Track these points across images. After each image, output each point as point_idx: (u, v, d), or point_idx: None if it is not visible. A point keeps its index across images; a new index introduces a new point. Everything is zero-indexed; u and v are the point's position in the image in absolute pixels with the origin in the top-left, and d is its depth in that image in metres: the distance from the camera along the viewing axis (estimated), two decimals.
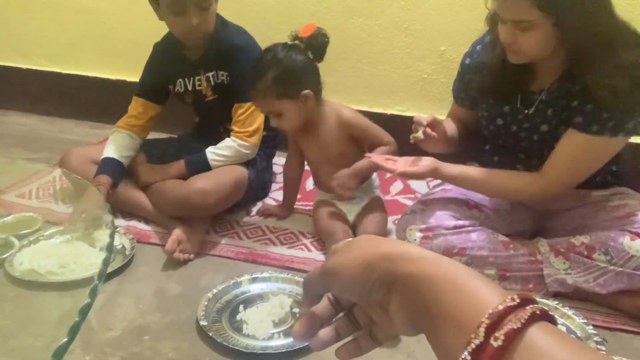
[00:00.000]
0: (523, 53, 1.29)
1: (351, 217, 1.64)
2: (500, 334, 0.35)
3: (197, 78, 1.77)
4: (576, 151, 1.33)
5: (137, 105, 1.80)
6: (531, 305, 0.37)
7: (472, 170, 1.44)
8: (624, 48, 1.23)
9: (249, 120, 1.70)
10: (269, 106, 1.53)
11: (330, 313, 0.52)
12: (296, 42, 1.52)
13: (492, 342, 0.35)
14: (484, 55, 1.45)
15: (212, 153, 1.68)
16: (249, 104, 1.68)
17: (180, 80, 1.79)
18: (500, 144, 1.52)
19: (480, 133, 1.57)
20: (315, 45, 1.51)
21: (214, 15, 1.67)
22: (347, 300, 0.52)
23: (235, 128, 1.70)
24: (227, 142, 1.70)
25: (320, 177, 1.69)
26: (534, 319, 0.36)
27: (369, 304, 0.48)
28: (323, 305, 0.52)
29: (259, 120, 1.72)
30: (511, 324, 0.35)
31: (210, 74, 1.75)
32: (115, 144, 1.74)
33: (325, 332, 0.52)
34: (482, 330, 0.36)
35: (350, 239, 0.51)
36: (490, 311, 0.36)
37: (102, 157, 1.70)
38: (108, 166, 1.68)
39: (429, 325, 0.41)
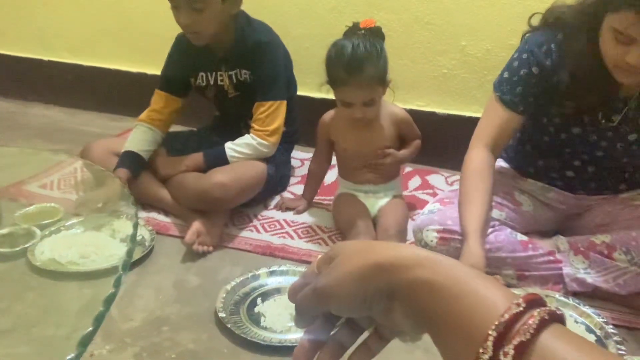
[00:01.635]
0: None
1: (373, 211, 1.65)
2: (509, 349, 0.34)
3: (219, 73, 1.78)
4: None
5: (158, 99, 1.81)
6: (538, 310, 0.35)
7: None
8: None
9: (269, 119, 1.70)
10: (372, 94, 1.52)
11: (328, 327, 0.49)
12: (361, 32, 1.52)
13: (502, 357, 0.34)
14: (575, 69, 1.29)
15: (231, 149, 1.69)
16: (270, 102, 1.69)
17: (202, 74, 1.80)
18: (547, 145, 1.46)
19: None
20: (376, 35, 1.53)
21: (214, 18, 1.63)
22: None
23: (255, 126, 1.70)
24: (247, 139, 1.70)
25: (351, 169, 1.69)
26: (543, 325, 0.35)
27: (370, 314, 0.45)
28: (318, 323, 0.49)
29: (280, 119, 1.72)
30: (519, 336, 0.34)
31: (232, 73, 1.76)
32: (137, 137, 1.75)
33: (328, 350, 0.48)
34: (489, 344, 0.34)
35: (334, 249, 0.47)
36: (497, 322, 0.35)
37: (123, 150, 1.72)
38: (128, 159, 1.70)
39: (435, 333, 0.39)
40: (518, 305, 0.36)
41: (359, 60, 1.47)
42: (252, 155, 1.70)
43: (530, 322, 0.35)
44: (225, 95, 1.81)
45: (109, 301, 0.64)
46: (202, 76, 1.80)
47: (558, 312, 0.36)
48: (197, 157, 1.71)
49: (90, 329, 0.61)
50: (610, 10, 1.16)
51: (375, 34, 1.52)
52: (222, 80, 1.78)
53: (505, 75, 1.40)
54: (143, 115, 1.80)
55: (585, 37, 1.25)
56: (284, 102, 1.74)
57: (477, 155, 1.37)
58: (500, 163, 1.58)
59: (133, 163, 1.70)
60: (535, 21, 1.38)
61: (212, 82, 1.80)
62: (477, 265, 1.19)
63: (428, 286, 0.39)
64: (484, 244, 1.24)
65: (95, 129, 2.39)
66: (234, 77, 1.76)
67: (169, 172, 1.71)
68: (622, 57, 1.16)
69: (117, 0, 2.43)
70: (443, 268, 0.40)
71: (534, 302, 0.36)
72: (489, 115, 1.42)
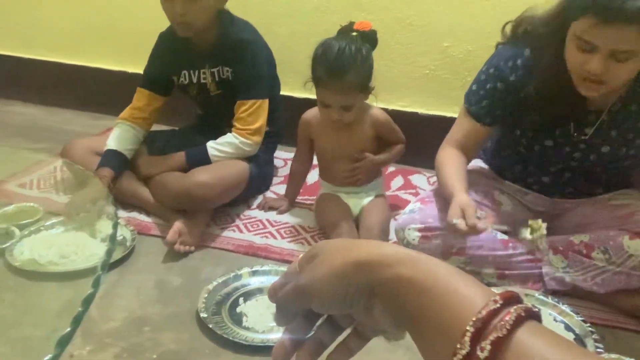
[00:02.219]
0: (606, 84, 1.20)
1: (355, 211, 1.66)
2: (486, 344, 0.34)
3: (202, 71, 1.77)
4: None
5: (141, 97, 1.80)
6: (515, 307, 0.36)
7: None
8: None
9: (251, 117, 1.70)
10: (351, 99, 1.52)
11: (308, 325, 0.49)
12: (354, 33, 1.51)
13: (478, 352, 0.34)
14: (540, 84, 1.31)
15: (213, 148, 1.68)
16: (252, 100, 1.69)
17: (185, 72, 1.79)
18: (522, 153, 1.47)
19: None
20: (369, 38, 1.53)
21: (206, 9, 1.65)
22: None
23: (237, 125, 1.70)
24: (229, 138, 1.70)
25: (331, 171, 1.69)
26: (519, 321, 0.35)
27: (351, 312, 0.45)
28: (298, 321, 0.49)
29: (262, 118, 1.72)
30: (496, 331, 0.35)
31: (215, 70, 1.75)
32: (119, 136, 1.74)
33: (307, 348, 0.49)
34: (467, 340, 0.35)
35: (315, 247, 0.47)
36: (474, 318, 0.35)
37: (105, 149, 1.71)
38: (111, 158, 1.69)
39: (414, 331, 0.40)
40: (495, 302, 0.36)
41: (341, 65, 1.47)
42: (234, 154, 1.69)
43: (506, 318, 0.35)
44: (207, 93, 1.80)
45: (87, 301, 0.63)
46: (185, 74, 1.79)
47: (534, 310, 0.37)
48: (179, 157, 1.70)
49: (69, 329, 0.60)
50: (573, 19, 1.17)
51: (368, 38, 1.52)
52: (204, 78, 1.78)
53: (474, 87, 1.45)
54: (125, 113, 1.79)
55: (553, 50, 1.26)
56: (266, 101, 1.74)
57: (446, 151, 1.46)
58: (480, 164, 1.60)
59: (116, 162, 1.69)
60: (508, 30, 1.40)
61: (195, 80, 1.79)
62: (467, 205, 1.25)
63: (408, 283, 0.40)
64: (465, 191, 1.32)
65: (76, 128, 2.36)
66: (216, 74, 1.76)
67: (151, 171, 1.70)
68: (584, 65, 1.18)
69: None
70: (423, 266, 0.41)
71: (511, 299, 0.37)
72: (459, 123, 1.48)
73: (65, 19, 2.49)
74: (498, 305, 0.36)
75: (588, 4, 1.13)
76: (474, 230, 1.24)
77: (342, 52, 1.47)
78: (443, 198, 1.48)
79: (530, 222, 1.29)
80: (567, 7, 1.20)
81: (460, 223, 1.23)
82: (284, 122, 1.94)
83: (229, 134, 1.70)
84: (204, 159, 1.67)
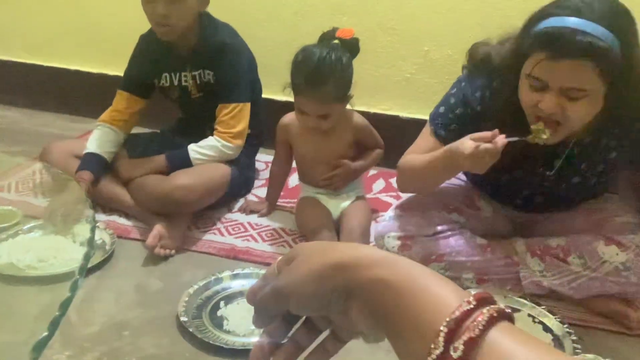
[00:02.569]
0: (565, 126, 1.16)
1: (336, 214, 1.66)
2: (459, 344, 0.35)
3: (183, 74, 1.76)
4: None
5: (121, 99, 1.79)
6: (488, 307, 0.37)
7: None
8: None
9: (233, 121, 1.69)
10: (328, 109, 1.52)
11: (286, 328, 0.49)
12: (335, 41, 1.51)
13: (451, 352, 0.35)
14: (499, 113, 1.27)
15: (195, 151, 1.67)
16: (234, 104, 1.68)
17: (165, 74, 1.78)
18: (492, 180, 1.43)
19: None
20: (351, 46, 1.53)
21: (188, 12, 1.64)
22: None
23: (219, 128, 1.69)
24: (211, 141, 1.69)
25: (311, 175, 1.69)
26: (492, 322, 0.36)
27: (328, 314, 0.45)
28: (276, 323, 0.49)
29: (244, 121, 1.72)
30: (469, 331, 0.35)
31: (196, 73, 1.75)
32: (99, 138, 1.73)
33: (284, 350, 0.49)
34: (441, 339, 0.35)
35: (294, 250, 0.47)
36: (448, 319, 0.36)
37: (85, 151, 1.69)
38: (90, 161, 1.67)
39: (390, 332, 0.40)
40: (469, 302, 0.37)
41: (320, 75, 1.46)
42: (216, 157, 1.69)
43: (479, 319, 0.36)
44: (189, 96, 1.80)
45: (65, 306, 0.63)
46: (166, 77, 1.79)
47: (507, 311, 0.37)
48: (159, 160, 1.69)
49: (46, 334, 0.60)
50: (525, 57, 1.15)
51: (349, 46, 1.52)
52: (186, 81, 1.77)
53: (441, 110, 1.40)
54: (104, 115, 1.78)
55: (508, 93, 1.24)
56: (248, 104, 1.73)
57: (410, 156, 1.42)
58: (460, 176, 1.59)
59: (96, 165, 1.67)
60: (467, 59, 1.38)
61: (176, 83, 1.79)
62: (466, 138, 1.17)
63: (384, 285, 0.40)
64: None
65: (55, 130, 2.34)
66: (197, 77, 1.75)
67: (131, 174, 1.68)
68: (537, 104, 1.15)
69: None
70: (400, 267, 0.41)
71: (484, 300, 0.37)
72: (425, 141, 1.41)
73: (43, 20, 2.46)
74: (471, 306, 0.36)
75: (538, 39, 1.12)
76: (499, 144, 1.14)
77: (321, 62, 1.46)
78: (422, 204, 1.48)
79: (532, 127, 1.19)
80: (520, 44, 1.18)
81: (486, 145, 1.14)
82: (265, 125, 1.93)
83: (210, 137, 1.70)
84: (185, 162, 1.66)
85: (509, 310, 0.38)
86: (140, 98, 1.80)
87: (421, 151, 1.39)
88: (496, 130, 1.16)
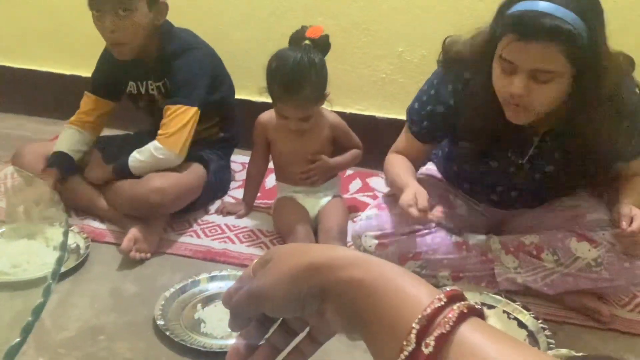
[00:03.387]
0: (530, 109, 1.20)
1: (313, 213, 1.66)
2: (430, 340, 0.35)
3: (149, 82, 1.74)
4: None
5: (88, 101, 1.76)
6: (458, 304, 0.37)
7: None
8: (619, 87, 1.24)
9: (172, 122, 1.60)
10: (308, 111, 1.54)
11: (262, 331, 0.49)
12: (307, 42, 1.51)
13: (423, 348, 0.35)
14: (473, 115, 1.33)
15: (134, 158, 1.60)
16: (177, 106, 1.61)
17: (132, 82, 1.75)
18: (469, 173, 1.49)
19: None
20: (321, 45, 1.53)
21: (138, 28, 1.58)
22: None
23: (159, 131, 1.61)
24: (147, 145, 1.61)
25: (288, 172, 1.70)
26: (462, 318, 0.36)
27: (304, 315, 0.46)
28: (252, 326, 0.49)
29: (182, 123, 1.60)
30: (440, 328, 0.36)
31: (160, 83, 1.72)
32: (65, 138, 1.71)
33: (261, 352, 0.49)
34: (412, 336, 0.36)
35: (269, 252, 0.48)
36: (420, 316, 0.37)
37: (54, 150, 1.68)
38: (57, 159, 1.65)
39: (364, 332, 0.40)
40: (440, 300, 0.37)
41: (296, 82, 1.47)
42: (150, 162, 1.59)
43: (450, 315, 0.36)
44: (156, 104, 1.76)
45: (37, 311, 0.62)
46: (133, 85, 1.76)
47: (477, 307, 0.38)
48: (107, 169, 1.65)
49: (18, 339, 0.59)
50: (498, 39, 1.19)
51: (320, 45, 1.52)
52: (152, 90, 1.74)
53: (416, 105, 1.46)
54: (73, 117, 1.76)
55: (482, 80, 1.27)
56: (194, 109, 1.62)
57: (395, 155, 1.50)
58: (433, 171, 1.62)
59: (62, 163, 1.65)
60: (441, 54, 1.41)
61: (143, 92, 1.76)
62: (420, 192, 1.28)
63: (358, 285, 0.41)
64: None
65: (27, 133, 2.30)
66: (162, 87, 1.72)
67: (91, 178, 1.67)
68: (507, 88, 1.19)
69: (49, 0, 2.34)
70: (374, 267, 0.42)
71: (455, 297, 0.38)
72: (404, 137, 1.52)
73: (12, 22, 2.42)
74: (442, 303, 0.37)
75: (508, 21, 1.16)
76: (424, 217, 1.26)
77: (296, 67, 1.47)
78: (398, 204, 1.49)
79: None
80: (494, 28, 1.21)
81: (413, 210, 1.25)
82: (241, 126, 1.92)
83: (152, 142, 1.61)
84: (127, 170, 1.60)
85: (480, 307, 0.39)
86: (107, 100, 1.78)
87: (402, 147, 1.50)
88: (438, 209, 1.30)
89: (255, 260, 0.49)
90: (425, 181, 1.49)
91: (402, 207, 1.29)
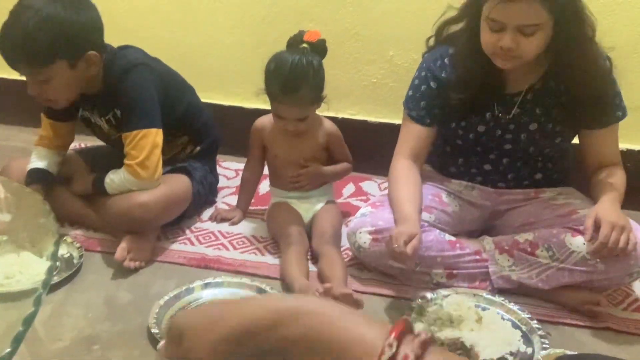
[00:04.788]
0: (520, 58, 1.31)
1: (307, 217, 1.67)
2: None
3: (97, 116, 1.66)
4: (616, 140, 1.48)
5: (45, 125, 1.70)
6: (411, 346, 0.36)
7: None
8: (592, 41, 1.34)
9: (135, 151, 1.52)
10: (305, 112, 1.55)
11: None
12: (304, 45, 1.52)
13: None
14: (459, 67, 1.43)
15: (110, 179, 1.55)
16: (135, 132, 1.52)
17: (81, 109, 1.68)
18: (462, 145, 1.54)
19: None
20: (319, 49, 1.55)
21: (64, 86, 1.50)
22: None
23: (125, 160, 1.53)
24: (120, 172, 1.54)
25: (282, 176, 1.70)
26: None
27: None
28: None
29: (148, 148, 1.52)
30: None
31: (108, 116, 1.64)
32: (38, 156, 1.67)
33: None
34: None
35: (175, 326, 0.44)
36: None
37: (28, 169, 1.63)
38: (36, 175, 1.62)
39: None
40: (390, 346, 0.36)
41: (294, 81, 1.49)
42: (127, 189, 1.54)
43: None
44: (108, 136, 1.71)
45: (28, 321, 0.62)
46: (83, 113, 1.68)
47: (426, 338, 0.37)
48: (87, 183, 1.62)
49: (8, 350, 0.59)
50: (484, 3, 1.30)
51: (317, 49, 1.54)
52: (100, 122, 1.67)
53: (410, 93, 1.53)
54: (37, 140, 1.70)
55: (467, 37, 1.39)
56: (153, 130, 1.54)
57: (400, 164, 1.50)
58: (426, 167, 1.64)
59: (42, 178, 1.62)
60: (432, 42, 1.53)
61: (92, 120, 1.69)
62: (416, 232, 1.29)
63: (294, 345, 0.39)
64: (419, 221, 1.37)
65: (19, 144, 2.29)
66: (112, 119, 1.64)
67: (77, 188, 1.65)
68: (497, 44, 1.30)
69: None
70: (306, 320, 0.39)
71: (403, 332, 0.37)
72: (404, 131, 1.56)
73: None
74: (393, 350, 0.36)
75: None
76: (406, 258, 1.27)
77: (294, 68, 1.48)
78: None
79: None
80: None
81: (400, 248, 1.25)
82: (233, 132, 1.91)
83: (122, 168, 1.54)
84: (104, 189, 1.56)
85: (429, 336, 0.38)
86: (64, 122, 1.70)
87: (405, 144, 1.53)
88: (414, 243, 1.28)
89: (160, 345, 0.46)
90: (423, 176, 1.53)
91: (390, 239, 1.29)
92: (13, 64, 1.46)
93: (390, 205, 1.46)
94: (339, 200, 1.87)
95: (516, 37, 1.28)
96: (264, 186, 1.88)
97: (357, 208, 1.81)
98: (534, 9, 1.24)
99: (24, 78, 1.53)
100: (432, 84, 1.49)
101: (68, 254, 1.52)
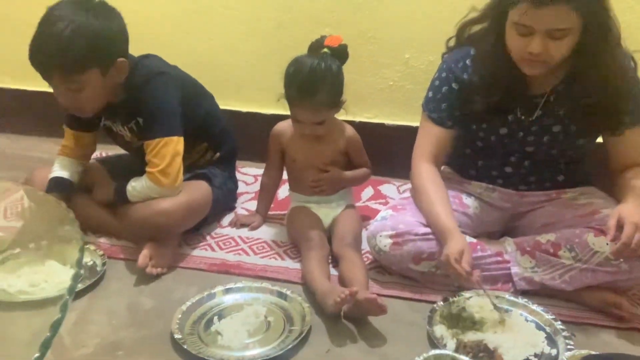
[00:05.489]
0: (547, 62, 1.30)
1: (327, 221, 1.67)
2: None
3: (119, 124, 1.68)
4: None
5: (68, 136, 1.72)
6: None
7: None
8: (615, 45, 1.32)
9: (157, 159, 1.53)
10: (323, 116, 1.56)
11: None
12: (325, 50, 1.52)
13: None
14: (482, 70, 1.42)
15: (132, 187, 1.56)
16: (156, 140, 1.53)
17: (103, 118, 1.69)
18: (482, 148, 1.53)
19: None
20: (339, 53, 1.55)
21: (95, 94, 1.52)
22: None
23: (147, 168, 1.55)
24: (143, 180, 1.55)
25: (301, 181, 1.70)
26: None
27: None
28: None
29: (170, 156, 1.54)
30: None
31: (131, 124, 1.65)
32: (60, 165, 1.69)
33: None
34: None
35: None
36: None
37: (49, 177, 1.66)
38: (55, 184, 1.64)
39: None
40: None
41: (312, 85, 1.49)
42: (148, 196, 1.55)
43: None
44: (130, 145, 1.73)
45: (55, 326, 0.63)
46: (105, 122, 1.70)
47: None
48: (109, 191, 1.63)
49: (37, 354, 0.60)
50: (510, 7, 1.27)
51: (338, 54, 1.54)
52: (123, 130, 1.68)
53: (430, 94, 1.52)
54: (60, 149, 1.73)
55: (492, 39, 1.37)
56: (174, 138, 1.55)
57: (424, 169, 1.49)
58: (445, 168, 1.63)
59: (62, 187, 1.64)
60: (452, 43, 1.51)
61: (114, 129, 1.71)
62: (466, 248, 1.30)
63: None
64: (457, 229, 1.38)
65: (41, 154, 2.32)
66: (134, 127, 1.65)
67: (99, 197, 1.67)
68: (525, 48, 1.28)
69: None
70: None
71: None
72: (424, 133, 1.54)
73: (25, 46, 2.46)
74: None
75: None
76: (467, 278, 1.28)
77: (313, 72, 1.49)
78: (413, 206, 1.50)
79: None
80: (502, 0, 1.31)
81: (459, 269, 1.27)
82: (250, 138, 1.92)
83: (144, 176, 1.56)
84: (125, 197, 1.57)
85: None
86: (85, 132, 1.72)
87: (425, 146, 1.52)
88: (476, 272, 1.30)
89: None
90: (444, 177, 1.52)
91: (446, 262, 1.30)
92: (47, 74, 1.49)
93: (423, 214, 1.45)
94: (358, 204, 1.87)
95: (545, 41, 1.26)
96: (283, 191, 1.89)
97: (376, 211, 1.81)
98: (565, 13, 1.22)
99: (44, 89, 1.55)
100: (453, 85, 1.47)
101: (91, 262, 1.54)
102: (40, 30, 1.47)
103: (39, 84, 2.50)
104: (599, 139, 1.51)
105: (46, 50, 1.45)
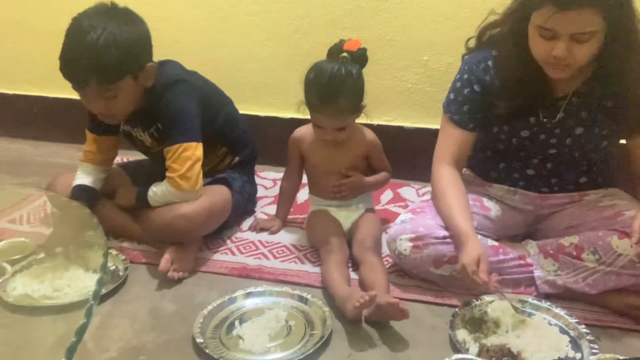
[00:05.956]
0: (572, 66, 1.28)
1: (346, 225, 1.67)
2: None
3: (139, 129, 1.69)
4: None
5: (90, 141, 1.73)
6: None
7: None
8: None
9: (176, 164, 1.54)
10: (344, 122, 1.55)
11: None
12: (344, 54, 1.52)
13: None
14: (505, 73, 1.41)
15: (153, 192, 1.57)
16: (176, 145, 1.54)
17: (123, 123, 1.70)
18: (504, 150, 1.52)
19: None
20: (359, 57, 1.54)
21: (128, 99, 1.53)
22: None
23: (167, 173, 1.55)
24: (163, 185, 1.56)
25: (321, 185, 1.70)
26: None
27: None
28: None
29: (190, 162, 1.54)
30: None
31: (152, 130, 1.66)
32: (83, 172, 1.70)
33: None
34: None
35: None
36: None
37: (73, 185, 1.66)
38: (79, 192, 1.65)
39: None
40: None
41: (333, 91, 1.48)
42: (168, 201, 1.56)
43: None
44: (149, 150, 1.74)
45: (80, 332, 0.63)
46: (125, 127, 1.71)
47: None
48: (131, 196, 1.64)
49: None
50: (533, 10, 1.26)
51: (357, 58, 1.53)
52: (143, 135, 1.70)
53: (452, 96, 1.51)
54: (82, 156, 1.74)
55: (512, 42, 1.36)
56: (194, 144, 1.55)
57: (444, 172, 1.48)
58: (465, 171, 1.62)
59: (85, 194, 1.64)
60: (472, 43, 1.50)
61: (134, 134, 1.72)
62: (483, 255, 1.28)
63: None
64: (474, 231, 1.36)
65: (63, 160, 2.36)
66: (154, 132, 1.66)
67: (121, 202, 1.67)
68: (549, 52, 1.27)
69: None
70: None
71: None
72: (445, 135, 1.52)
73: (47, 53, 2.47)
74: None
75: None
76: (485, 286, 1.27)
77: (333, 78, 1.48)
78: (433, 209, 1.49)
79: None
80: (525, 3, 1.29)
81: (477, 278, 1.26)
82: (269, 142, 1.93)
83: (165, 181, 1.57)
84: (147, 201, 1.58)
85: None
86: (108, 136, 1.72)
87: (446, 149, 1.50)
88: (493, 277, 1.29)
89: None
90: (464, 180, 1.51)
91: (463, 270, 1.29)
92: (82, 84, 1.48)
93: (441, 218, 1.44)
94: (378, 207, 1.86)
95: (569, 45, 1.24)
96: (303, 195, 1.89)
97: (396, 215, 1.80)
98: (590, 16, 1.20)
99: (65, 96, 1.56)
100: (475, 87, 1.46)
101: (114, 267, 1.55)
102: (72, 40, 1.47)
103: (59, 91, 2.55)
104: (622, 140, 1.49)
105: (81, 62, 1.44)
